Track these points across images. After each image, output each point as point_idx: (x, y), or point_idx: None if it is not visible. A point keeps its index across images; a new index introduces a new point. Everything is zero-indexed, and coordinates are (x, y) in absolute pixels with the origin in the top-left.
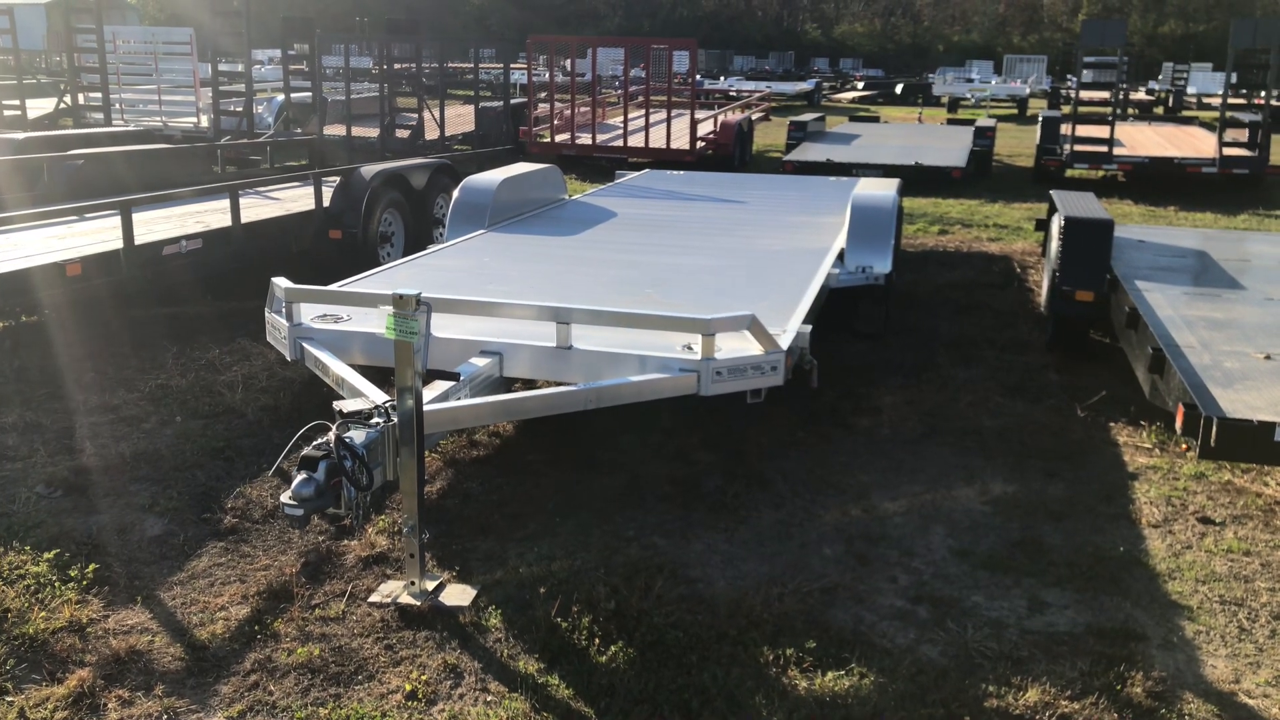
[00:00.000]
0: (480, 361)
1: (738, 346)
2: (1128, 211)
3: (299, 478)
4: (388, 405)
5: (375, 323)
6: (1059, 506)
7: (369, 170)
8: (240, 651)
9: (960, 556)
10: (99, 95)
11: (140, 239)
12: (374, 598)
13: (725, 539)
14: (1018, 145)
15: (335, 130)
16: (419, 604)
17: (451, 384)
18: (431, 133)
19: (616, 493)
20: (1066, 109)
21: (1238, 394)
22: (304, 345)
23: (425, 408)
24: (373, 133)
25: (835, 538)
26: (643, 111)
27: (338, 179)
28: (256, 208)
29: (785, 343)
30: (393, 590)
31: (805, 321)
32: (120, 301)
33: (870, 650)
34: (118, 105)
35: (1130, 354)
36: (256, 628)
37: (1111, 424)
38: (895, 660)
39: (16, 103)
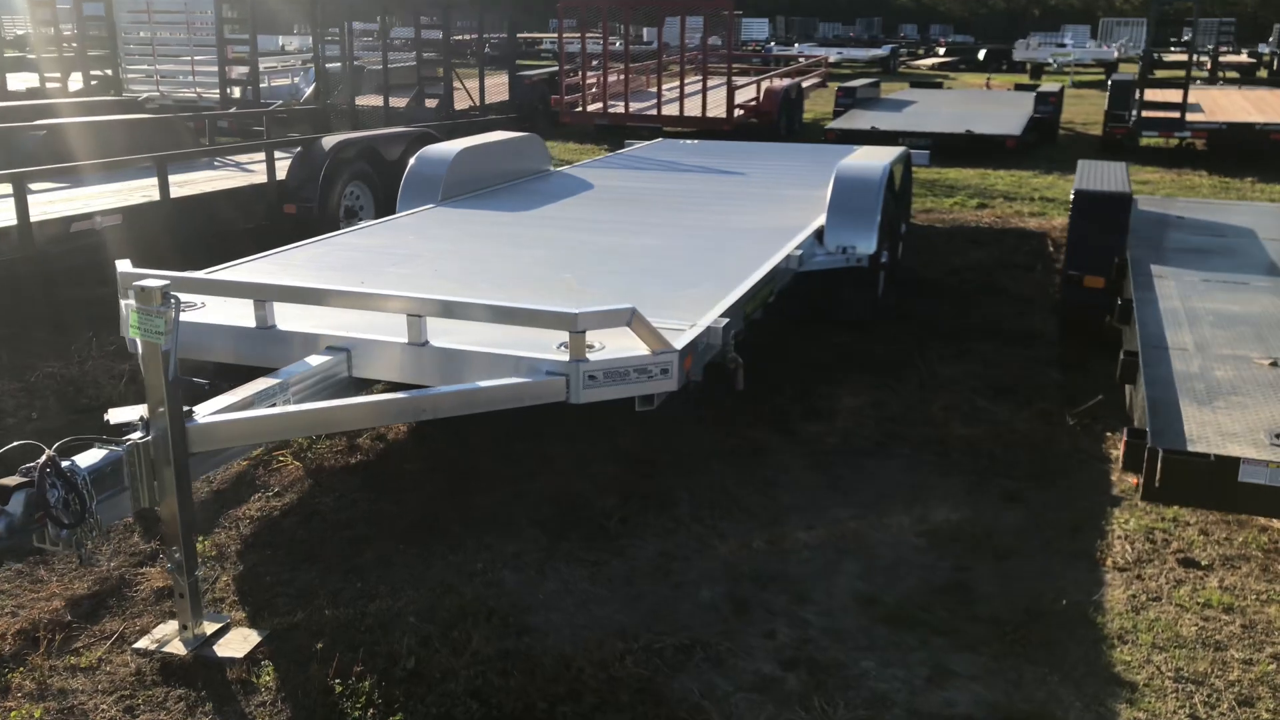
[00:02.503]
0: (317, 360)
1: (627, 345)
2: (1197, 183)
3: None
4: (143, 418)
5: (235, 313)
6: (1009, 540)
7: (330, 140)
8: None
9: (864, 605)
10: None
11: (46, 215)
12: (141, 642)
13: (589, 576)
14: (1096, 112)
15: (371, 101)
16: (184, 654)
17: (262, 388)
18: (463, 102)
19: (486, 513)
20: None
21: (1212, 414)
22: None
23: (206, 419)
24: (400, 103)
25: (720, 577)
26: (693, 79)
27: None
28: (208, 181)
29: (684, 340)
30: (165, 634)
31: (734, 312)
32: (26, 282)
33: None
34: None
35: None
36: None
37: (1106, 435)
38: None
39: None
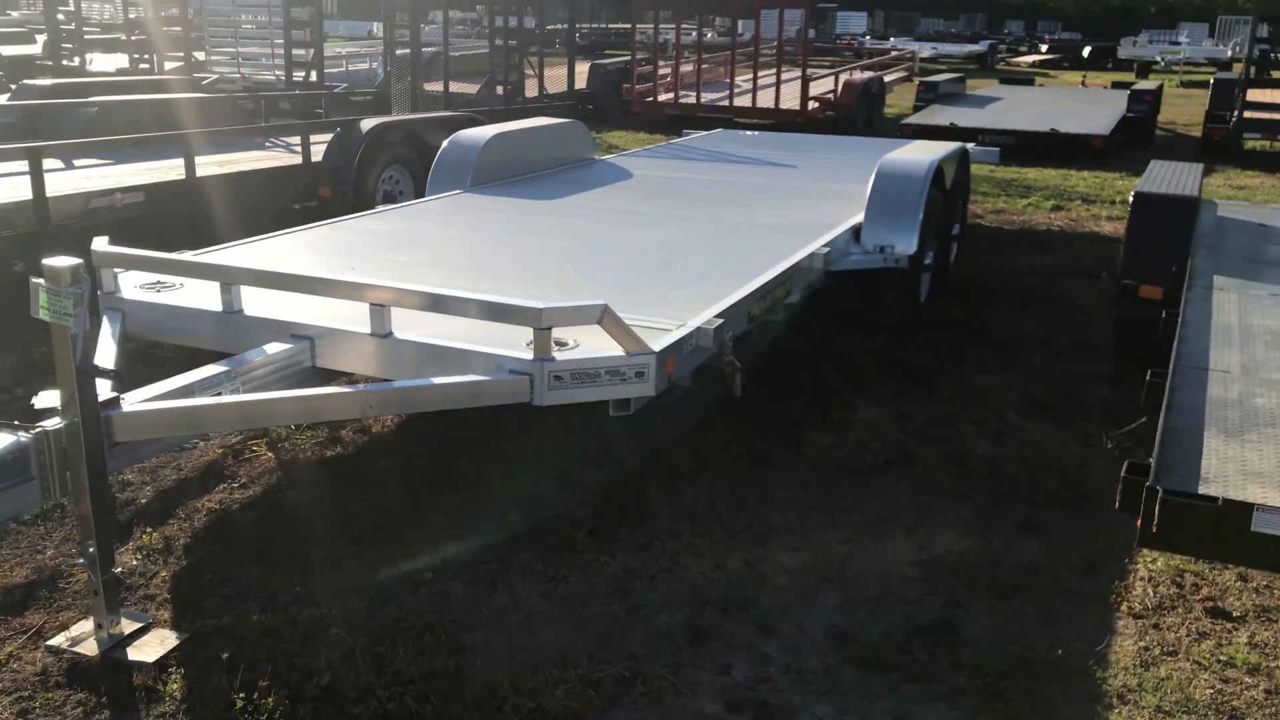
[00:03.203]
0: (275, 348)
1: (602, 345)
2: None
3: None
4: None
5: (210, 297)
6: (1014, 576)
7: (369, 123)
8: None
9: (835, 642)
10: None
11: (65, 190)
12: (56, 639)
13: (542, 592)
14: (1200, 113)
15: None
16: (92, 655)
17: (207, 375)
18: (534, 90)
19: (451, 517)
20: None
21: (1239, 449)
22: (105, 319)
23: (132, 408)
24: (472, 89)
25: (685, 601)
26: (767, 70)
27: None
28: (250, 162)
29: (665, 342)
30: (82, 633)
31: (733, 313)
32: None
33: None
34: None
35: None
36: None
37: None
38: None
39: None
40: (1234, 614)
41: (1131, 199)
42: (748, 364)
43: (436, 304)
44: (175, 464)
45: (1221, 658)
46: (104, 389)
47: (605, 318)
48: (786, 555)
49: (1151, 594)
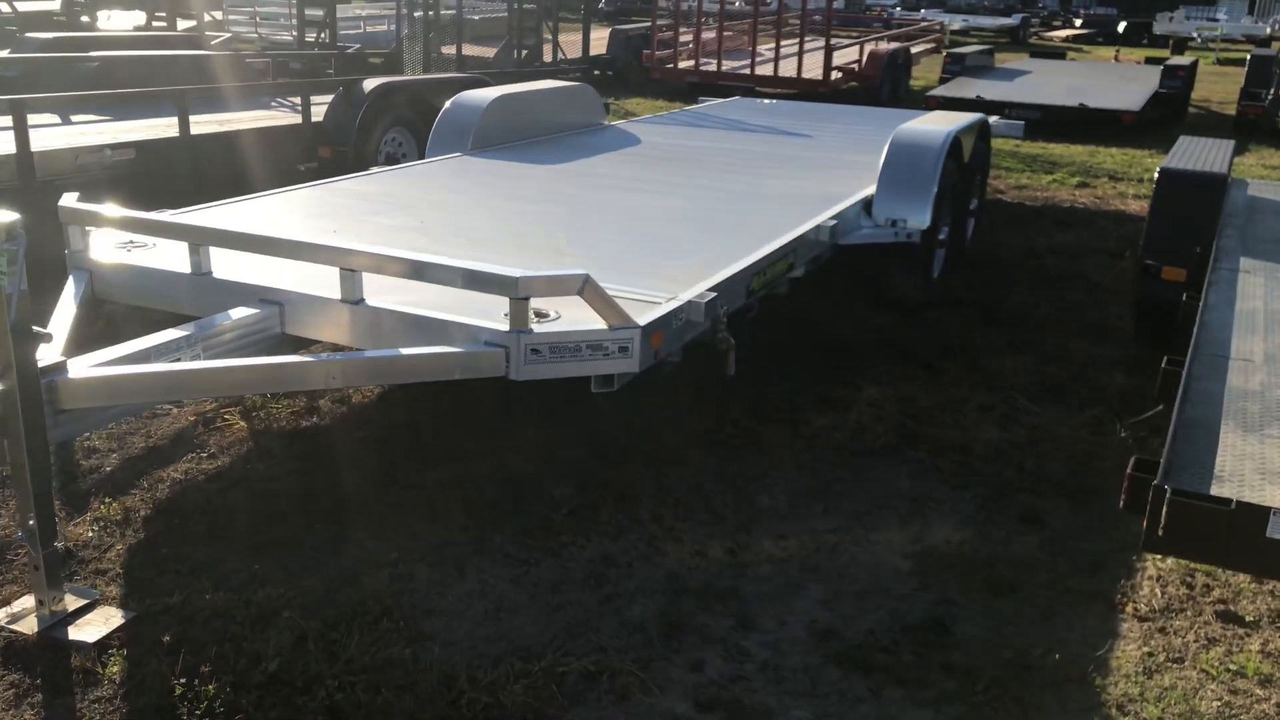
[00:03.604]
0: (240, 313)
1: (585, 318)
2: None
3: None
4: None
5: (174, 259)
6: (1013, 572)
7: (371, 83)
8: None
9: (818, 639)
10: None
11: (51, 145)
12: None
13: (513, 577)
14: (1236, 91)
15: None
16: (31, 633)
17: (165, 340)
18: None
19: (425, 493)
20: None
21: (1259, 445)
22: (71, 279)
23: (81, 374)
24: (490, 52)
25: (661, 590)
26: (790, 39)
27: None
28: (252, 120)
29: (651, 315)
30: (24, 609)
31: (728, 286)
32: (25, 214)
33: None
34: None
35: None
36: None
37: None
38: None
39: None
40: (1247, 619)
41: (1156, 175)
42: (752, 339)
43: (408, 270)
44: (145, 430)
45: (1231, 666)
46: (52, 353)
47: (586, 288)
48: (772, 543)
49: (1159, 595)
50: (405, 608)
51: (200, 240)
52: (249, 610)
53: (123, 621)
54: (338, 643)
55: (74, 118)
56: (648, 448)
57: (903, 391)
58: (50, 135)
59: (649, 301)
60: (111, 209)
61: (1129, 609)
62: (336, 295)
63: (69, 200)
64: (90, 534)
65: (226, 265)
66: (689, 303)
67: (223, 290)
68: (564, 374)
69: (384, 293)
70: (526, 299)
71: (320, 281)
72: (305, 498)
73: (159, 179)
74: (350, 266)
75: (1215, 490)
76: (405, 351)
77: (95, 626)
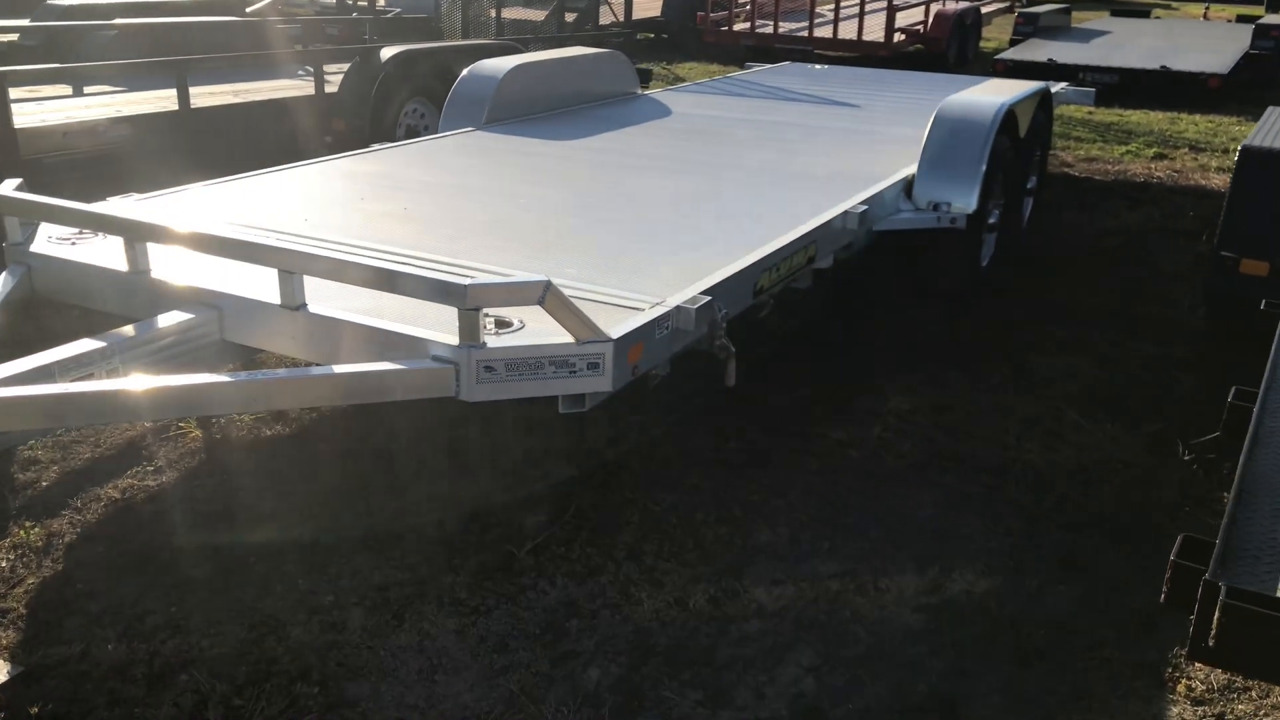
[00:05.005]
0: (170, 319)
1: (554, 328)
2: None
3: None
4: None
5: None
6: (1044, 633)
7: (389, 51)
8: None
9: (804, 718)
10: None
11: (36, 122)
12: None
13: (457, 629)
14: None
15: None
16: None
17: (77, 352)
18: (606, 17)
19: (378, 522)
20: None
21: None
22: (4, 274)
23: None
24: (538, 16)
25: (624, 650)
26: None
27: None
28: (271, 91)
29: (627, 327)
30: None
31: (729, 288)
32: None
33: None
34: None
35: None
36: None
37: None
38: None
39: None
40: None
41: (1238, 154)
42: (765, 338)
43: (345, 273)
44: (94, 440)
45: None
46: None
47: (548, 297)
48: (765, 590)
49: (1220, 670)
50: (328, 666)
51: (130, 235)
52: (151, 665)
53: (7, 678)
54: (242, 710)
55: (62, 91)
56: (638, 467)
57: (935, 399)
58: (38, 110)
59: (633, 307)
60: (41, 198)
61: (1181, 687)
62: (265, 299)
63: (7, 188)
64: (2, 564)
65: (169, 263)
66: (678, 309)
67: (160, 291)
68: (524, 394)
69: (338, 297)
70: (477, 310)
71: (269, 284)
72: (247, 524)
73: (155, 156)
74: (288, 268)
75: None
76: (338, 369)
77: None
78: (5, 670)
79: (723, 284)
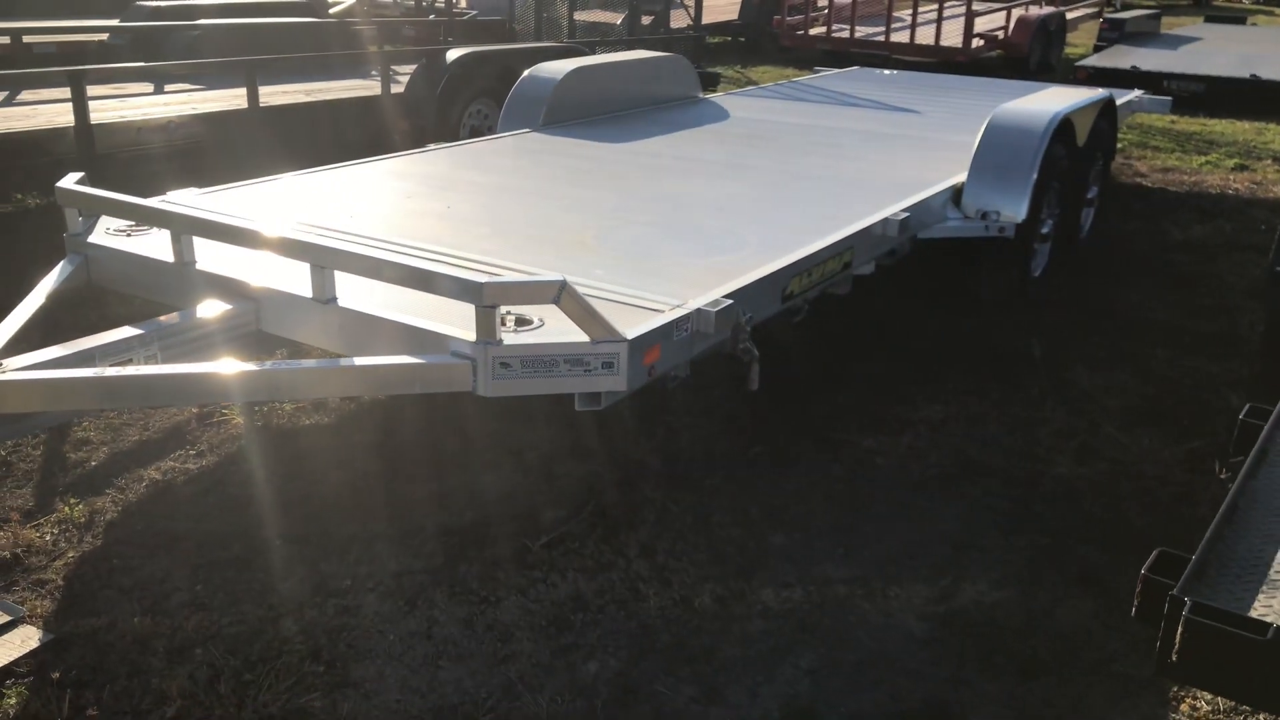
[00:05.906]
0: (209, 310)
1: (567, 328)
2: None
3: None
4: None
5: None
6: (1051, 647)
7: (455, 53)
8: None
9: (794, 718)
10: None
11: (112, 118)
12: None
13: (465, 617)
14: None
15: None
16: None
17: (115, 339)
18: (683, 20)
19: (401, 509)
20: None
21: None
22: (62, 264)
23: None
24: (614, 19)
25: (625, 645)
26: (930, 3)
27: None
28: (342, 91)
29: (644, 327)
30: None
31: (753, 292)
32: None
33: None
34: None
35: None
36: None
37: None
38: None
39: None
40: None
41: None
42: (799, 342)
43: (371, 268)
44: (143, 423)
45: None
46: None
47: (564, 296)
48: (772, 592)
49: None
50: (338, 647)
51: (175, 228)
52: (172, 640)
53: (38, 645)
54: (251, 686)
55: (138, 89)
56: (662, 466)
57: (970, 410)
58: (115, 107)
59: (653, 309)
60: (98, 192)
61: (1186, 706)
62: (300, 292)
63: (68, 182)
64: (47, 538)
65: (215, 256)
66: (697, 311)
67: (203, 282)
68: (539, 390)
69: (375, 292)
70: (494, 307)
71: (305, 278)
72: (278, 508)
73: (223, 152)
74: (320, 263)
75: (1259, 609)
76: (360, 362)
77: (8, 649)
78: (37, 638)
79: (747, 288)
